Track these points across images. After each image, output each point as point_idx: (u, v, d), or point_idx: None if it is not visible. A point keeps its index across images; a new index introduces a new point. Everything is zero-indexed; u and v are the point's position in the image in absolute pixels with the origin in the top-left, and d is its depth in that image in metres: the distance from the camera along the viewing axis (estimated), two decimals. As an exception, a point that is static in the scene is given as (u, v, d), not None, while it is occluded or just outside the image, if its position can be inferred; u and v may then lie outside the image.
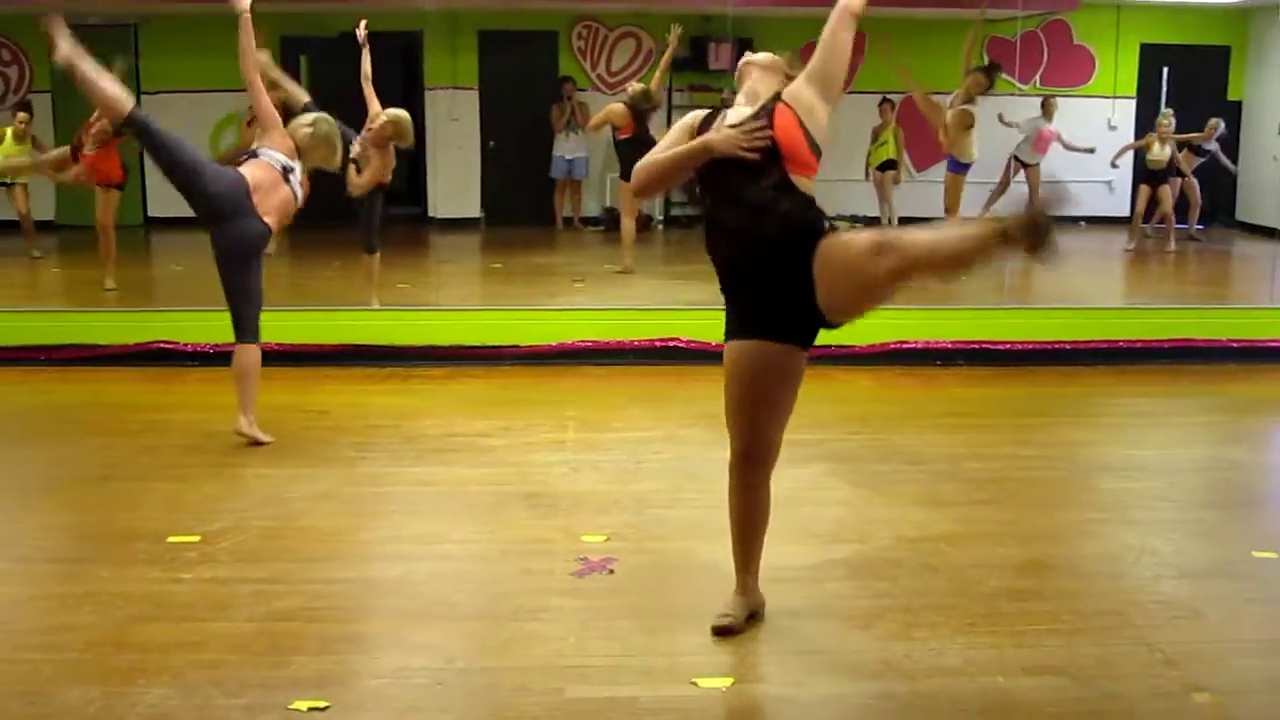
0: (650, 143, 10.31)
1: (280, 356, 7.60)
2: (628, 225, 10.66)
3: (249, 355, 5.92)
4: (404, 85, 15.87)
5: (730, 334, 3.77)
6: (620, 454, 5.71)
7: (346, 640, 3.78)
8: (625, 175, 10.59)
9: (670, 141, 3.88)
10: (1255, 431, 6.63)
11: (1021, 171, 13.50)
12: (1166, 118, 12.75)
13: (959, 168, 10.29)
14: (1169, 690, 3.51)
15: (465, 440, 6.01)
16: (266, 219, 5.74)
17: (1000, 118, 13.04)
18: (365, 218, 8.52)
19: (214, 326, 7.77)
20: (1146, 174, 12.97)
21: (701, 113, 3.96)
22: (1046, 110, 13.52)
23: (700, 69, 14.18)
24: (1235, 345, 7.97)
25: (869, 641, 3.77)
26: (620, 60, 14.53)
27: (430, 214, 14.33)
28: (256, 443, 5.84)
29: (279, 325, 7.82)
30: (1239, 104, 14.44)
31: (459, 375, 7.40)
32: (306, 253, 11.76)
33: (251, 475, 5.42)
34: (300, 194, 5.99)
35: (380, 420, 6.34)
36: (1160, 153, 12.67)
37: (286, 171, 5.87)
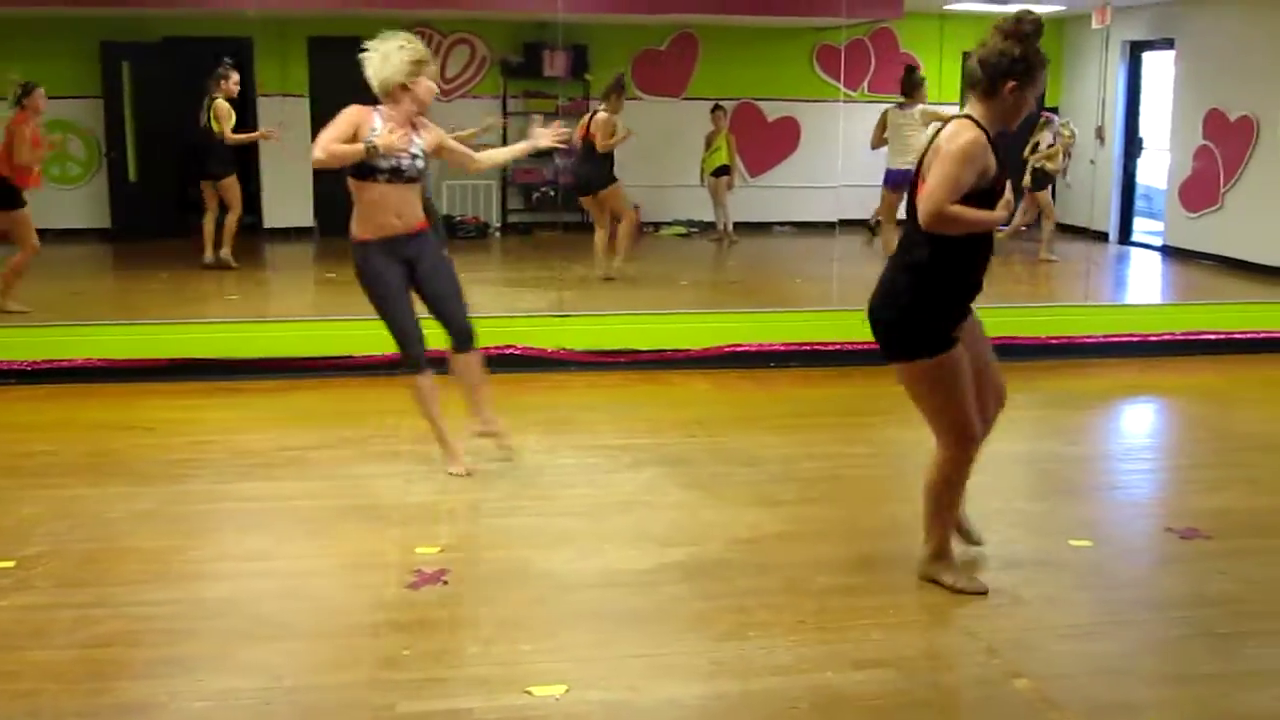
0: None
1: (105, 372, 7.38)
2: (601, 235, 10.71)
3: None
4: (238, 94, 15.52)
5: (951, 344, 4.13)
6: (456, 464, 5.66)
7: (171, 663, 3.67)
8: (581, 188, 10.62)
9: None
10: (1072, 425, 6.88)
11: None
12: (1068, 127, 12.77)
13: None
14: (990, 677, 3.62)
15: (296, 454, 5.89)
16: None
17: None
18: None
19: (32, 342, 7.52)
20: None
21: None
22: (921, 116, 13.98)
23: (534, 76, 14.17)
24: (1054, 342, 8.28)
25: (703, 643, 3.81)
26: (454, 67, 14.42)
27: (263, 224, 14.03)
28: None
29: (103, 340, 7.59)
30: (1055, 110, 14.99)
31: (291, 388, 7.26)
32: (134, 265, 11.41)
33: (71, 496, 5.22)
34: None
35: (208, 436, 6.18)
36: (1061, 164, 12.65)
37: None
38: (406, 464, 5.70)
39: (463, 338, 5.52)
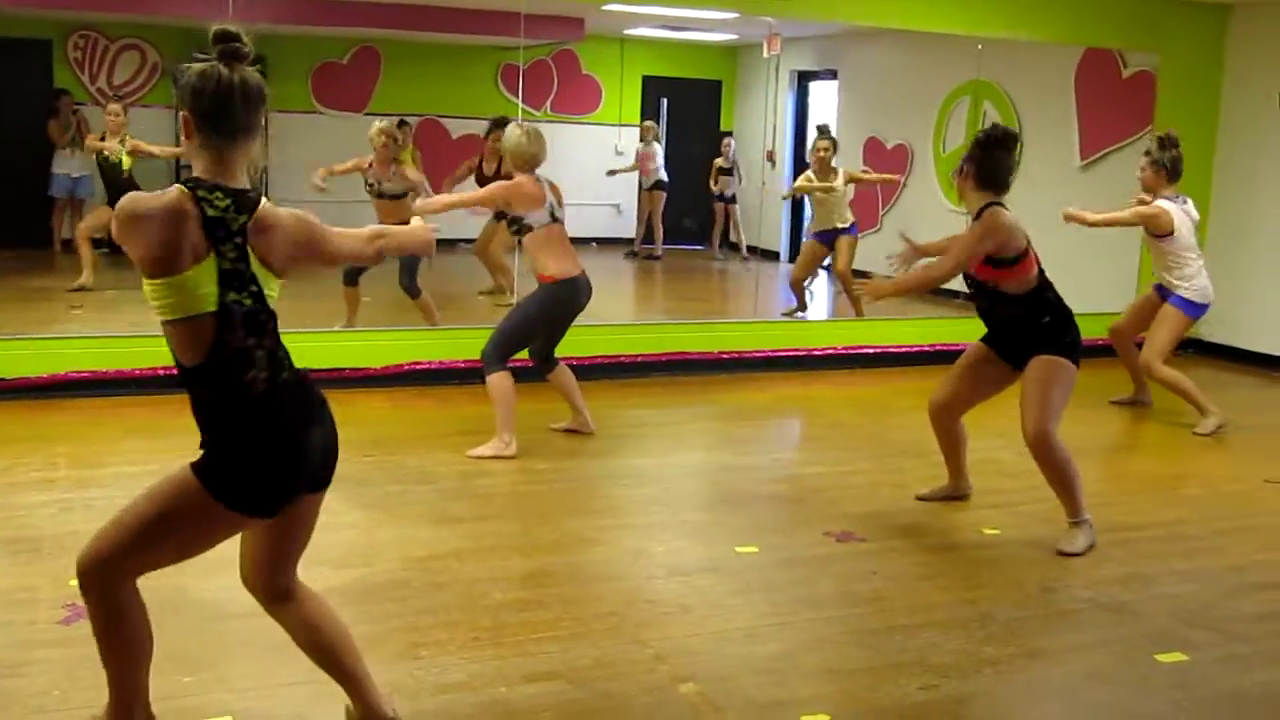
0: None
1: None
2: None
3: None
4: None
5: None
6: (116, 490, 5.37)
7: None
8: None
9: None
10: (741, 437, 7.16)
11: (649, 198, 14.34)
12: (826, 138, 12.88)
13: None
14: (658, 684, 3.73)
15: (-61, 484, 5.47)
16: None
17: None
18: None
19: None
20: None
21: None
22: (646, 134, 14.37)
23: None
24: (725, 357, 8.62)
25: (374, 665, 3.71)
26: (124, 73, 13.73)
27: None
28: None
29: None
30: (730, 134, 15.62)
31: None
32: None
33: None
34: None
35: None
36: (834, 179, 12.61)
37: None
38: (62, 491, 5.38)
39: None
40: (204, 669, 3.67)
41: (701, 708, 3.59)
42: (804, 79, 14.85)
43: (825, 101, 14.55)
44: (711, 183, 14.53)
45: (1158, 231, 7.37)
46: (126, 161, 10.45)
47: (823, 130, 11.03)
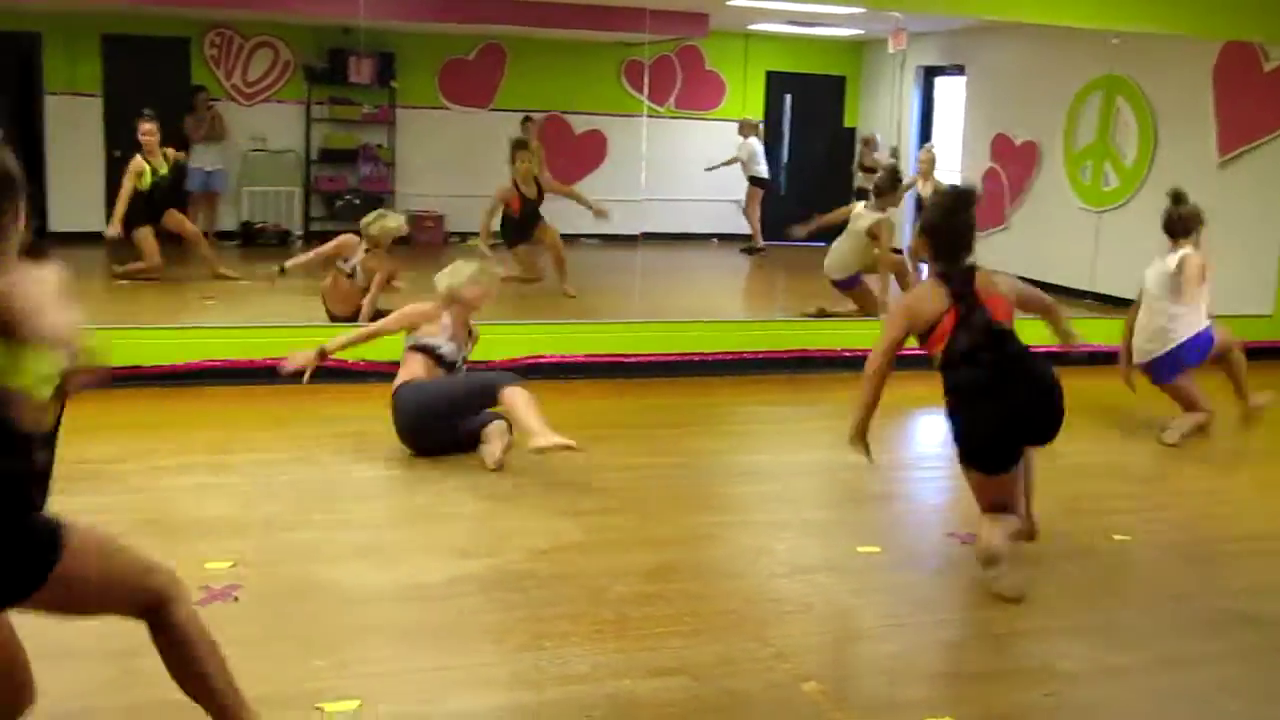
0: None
1: None
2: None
3: None
4: (20, 89, 14.85)
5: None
6: (249, 476, 5.54)
7: (-62, 687, 3.49)
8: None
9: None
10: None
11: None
12: (929, 152, 12.56)
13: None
14: (780, 681, 3.72)
15: (93, 468, 5.65)
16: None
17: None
18: None
19: None
20: None
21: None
22: (747, 130, 14.30)
23: (340, 82, 13.98)
24: (848, 355, 8.53)
25: (499, 654, 3.81)
26: (257, 70, 14.11)
27: (50, 227, 13.45)
28: None
29: None
30: (853, 130, 15.49)
31: (82, 399, 6.96)
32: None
33: None
34: None
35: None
36: (925, 189, 12.26)
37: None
38: (199, 476, 5.55)
39: None
40: (333, 653, 3.75)
41: (824, 706, 3.57)
42: (930, 74, 14.68)
43: (951, 97, 14.37)
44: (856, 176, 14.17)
45: None
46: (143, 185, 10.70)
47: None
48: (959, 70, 13.99)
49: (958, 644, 4.09)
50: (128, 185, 10.56)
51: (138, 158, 10.63)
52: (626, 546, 4.83)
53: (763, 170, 14.51)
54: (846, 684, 3.73)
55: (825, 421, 7.40)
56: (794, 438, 6.99)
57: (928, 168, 12.04)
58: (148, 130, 10.72)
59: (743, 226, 14.96)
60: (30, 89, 14.14)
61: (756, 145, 14.57)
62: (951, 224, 4.68)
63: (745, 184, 14.57)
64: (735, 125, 15.10)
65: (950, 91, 14.42)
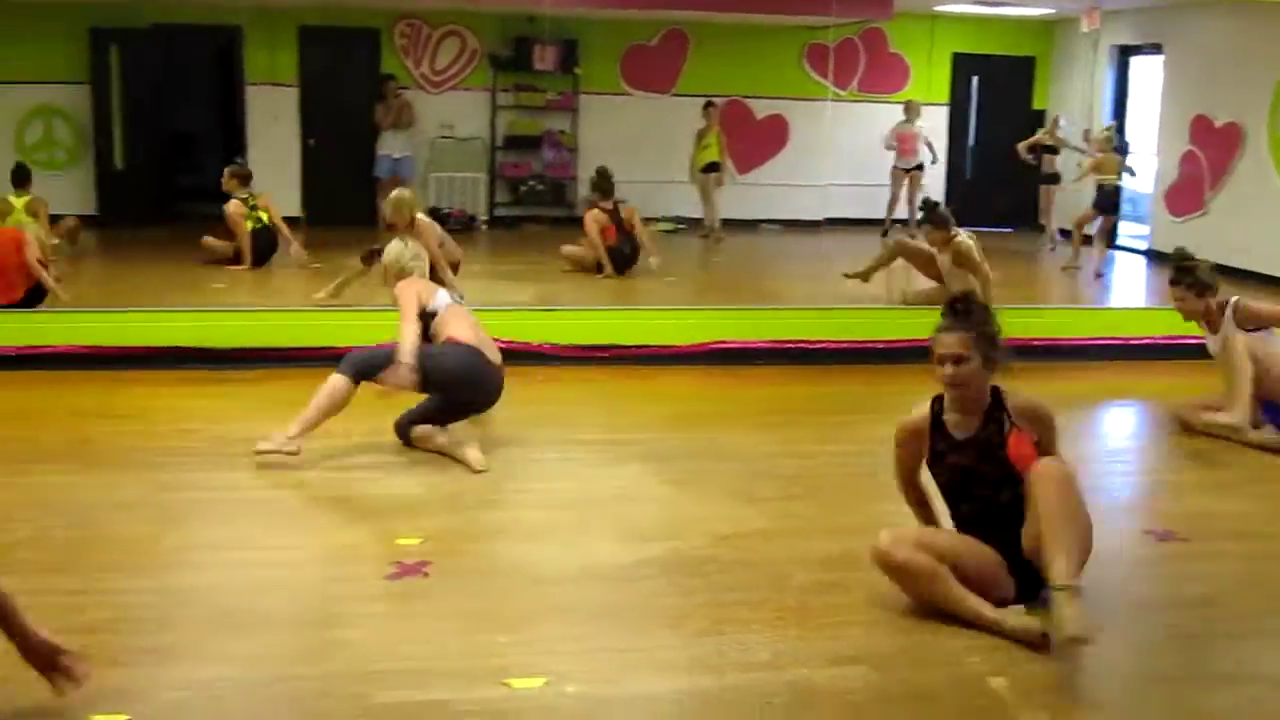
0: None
1: (87, 359, 7.37)
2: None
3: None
4: (223, 81, 15.49)
5: None
6: (435, 456, 5.66)
7: (149, 652, 3.67)
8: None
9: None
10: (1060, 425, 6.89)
11: (905, 179, 13.94)
12: (1110, 130, 12.34)
13: None
14: (967, 675, 3.64)
15: (279, 444, 5.89)
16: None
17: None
18: None
19: (12, 328, 7.50)
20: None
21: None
22: (910, 112, 14.00)
23: (525, 70, 14.19)
24: (1037, 344, 8.28)
25: (681, 638, 3.82)
26: (444, 59, 14.41)
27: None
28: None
29: (86, 327, 7.59)
30: (1043, 113, 15.05)
31: (274, 377, 7.23)
32: (120, 252, 11.38)
33: (53, 483, 5.22)
34: None
35: (190, 425, 6.17)
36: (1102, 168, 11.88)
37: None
38: (388, 455, 5.70)
39: None
40: (522, 631, 3.82)
41: (1012, 703, 3.49)
42: (1125, 54, 14.16)
43: (1147, 77, 13.85)
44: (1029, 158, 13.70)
45: None
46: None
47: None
48: (1156, 49, 13.46)
49: (1156, 645, 3.94)
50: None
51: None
52: (808, 533, 4.80)
53: (927, 156, 14.14)
54: (1037, 680, 3.62)
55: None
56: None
57: (1104, 146, 11.68)
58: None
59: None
60: (231, 80, 14.74)
61: (923, 129, 14.23)
62: None
63: (937, 168, 14.30)
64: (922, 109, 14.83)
65: (1146, 71, 13.89)
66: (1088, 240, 12.05)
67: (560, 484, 5.41)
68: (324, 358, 7.40)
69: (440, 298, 5.91)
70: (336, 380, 5.57)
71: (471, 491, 5.20)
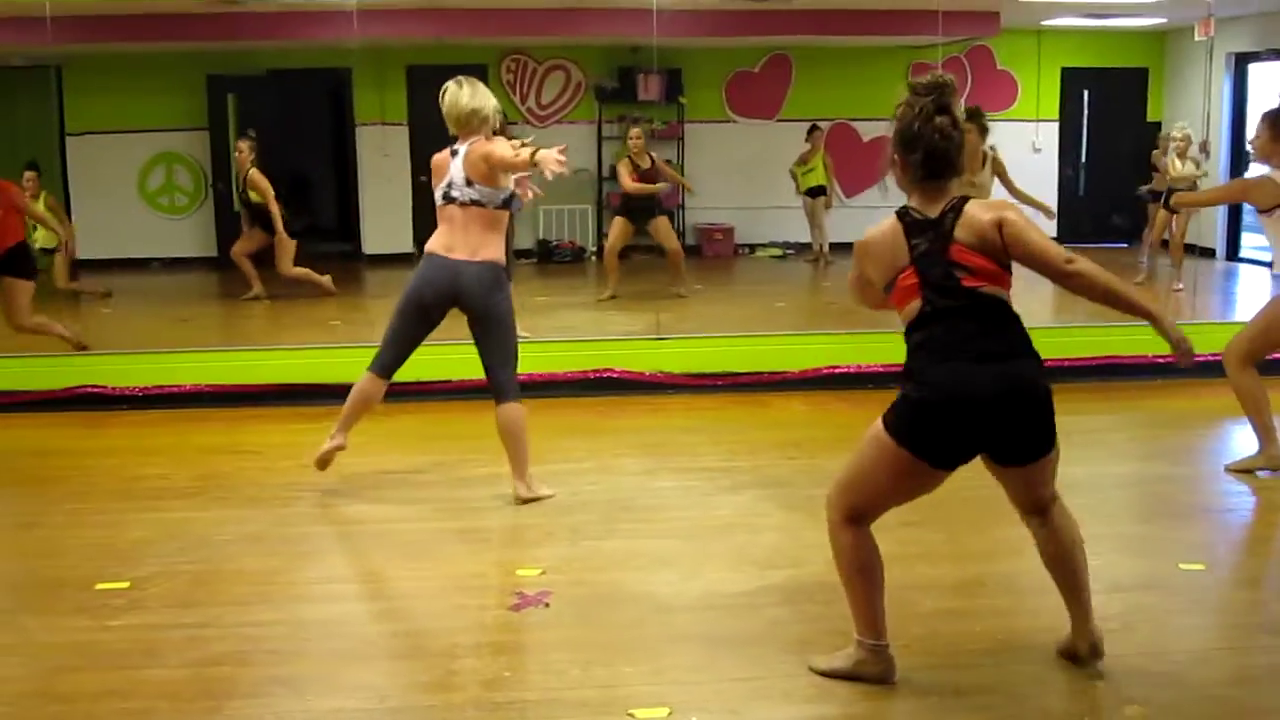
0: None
1: (212, 398, 7.56)
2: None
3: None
4: (334, 122, 15.84)
5: None
6: (555, 486, 5.68)
7: (279, 683, 3.73)
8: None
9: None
10: (1179, 446, 6.73)
11: None
12: (1182, 130, 11.75)
13: None
14: (1099, 704, 3.55)
15: (399, 477, 5.98)
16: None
17: None
18: None
19: (142, 369, 7.72)
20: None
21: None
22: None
23: (629, 100, 14.27)
24: (1161, 361, 8.08)
25: (804, 666, 3.77)
26: (550, 93, 14.57)
27: (362, 250, 14.27)
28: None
29: (210, 366, 7.78)
30: (1158, 124, 14.72)
31: (393, 411, 7.32)
32: (238, 293, 11.66)
33: (181, 519, 5.34)
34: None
35: (313, 459, 6.27)
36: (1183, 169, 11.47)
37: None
38: (507, 486, 5.73)
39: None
40: (645, 661, 3.81)
41: (1149, 733, 3.39)
42: (1242, 61, 13.81)
43: (1267, 84, 13.47)
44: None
45: (1261, 206, 6.07)
46: (253, 195, 11.12)
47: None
48: (1276, 55, 13.10)
49: (1296, 673, 3.80)
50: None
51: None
52: (932, 560, 4.72)
53: None
54: (1173, 710, 3.51)
55: (1136, 431, 7.08)
56: (1102, 449, 6.67)
57: (1184, 147, 11.30)
58: (238, 148, 11.37)
59: (1042, 229, 14.40)
60: (342, 121, 15.05)
61: None
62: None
63: (1049, 184, 14.02)
64: (1031, 125, 14.62)
65: (1266, 78, 13.52)
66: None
67: (678, 513, 5.39)
68: (445, 391, 7.54)
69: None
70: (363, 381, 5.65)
71: (588, 522, 5.21)
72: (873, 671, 3.64)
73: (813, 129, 13.71)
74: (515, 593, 4.37)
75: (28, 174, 10.75)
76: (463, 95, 5.48)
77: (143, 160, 13.82)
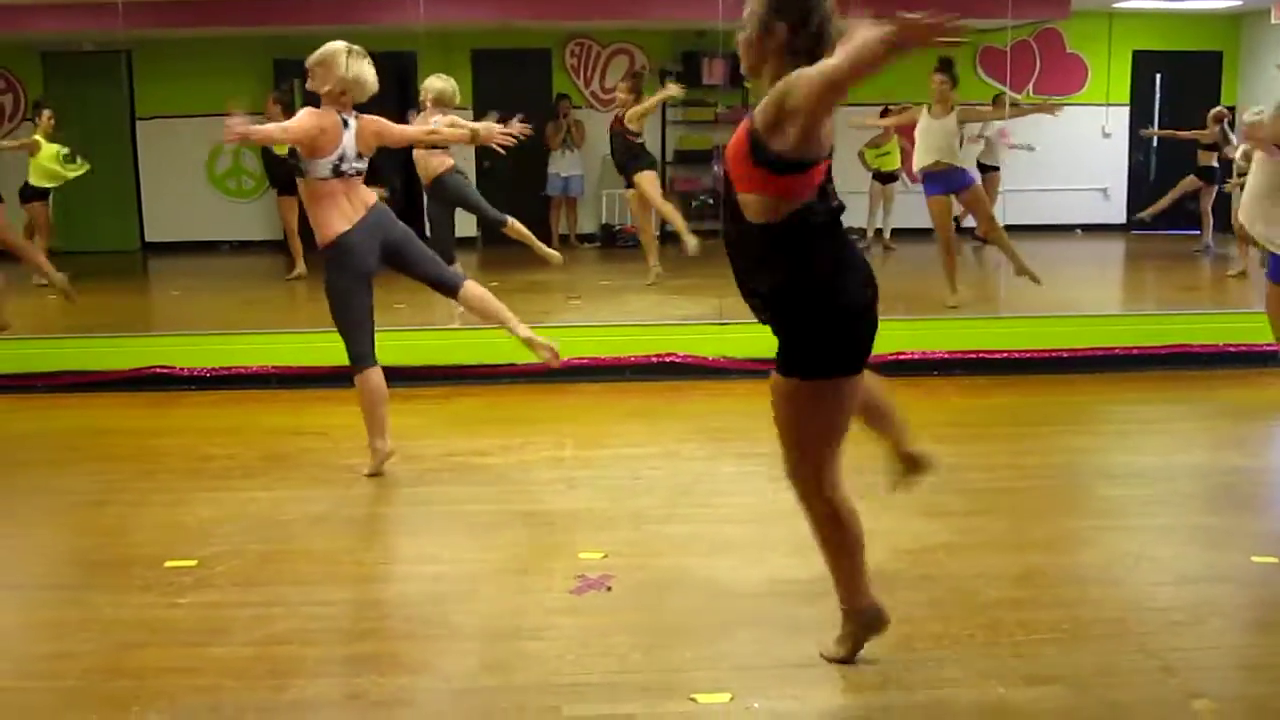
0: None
1: (278, 379, 7.65)
2: (648, 233, 10.98)
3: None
4: (399, 106, 15.90)
5: None
6: (617, 470, 5.70)
7: (344, 662, 3.77)
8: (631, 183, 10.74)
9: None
10: (1251, 436, 6.62)
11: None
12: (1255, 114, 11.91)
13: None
14: (1167, 697, 3.50)
15: (462, 460, 6.01)
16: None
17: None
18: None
19: (210, 350, 7.81)
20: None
21: None
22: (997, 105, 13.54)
23: (693, 84, 14.20)
24: (1231, 350, 7.96)
25: (868, 654, 3.75)
26: (614, 77, 14.51)
27: (426, 234, 14.33)
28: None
29: (276, 348, 7.86)
30: (1232, 108, 14.45)
31: (456, 395, 7.40)
32: (305, 276, 11.76)
33: (248, 498, 5.41)
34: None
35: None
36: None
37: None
38: (569, 470, 5.76)
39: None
40: (707, 645, 3.81)
41: (1216, 727, 3.34)
42: (1320, 44, 13.53)
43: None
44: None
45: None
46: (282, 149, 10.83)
47: None
48: (1355, 39, 12.83)
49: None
50: None
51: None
52: (996, 549, 4.67)
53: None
54: (1244, 705, 3.46)
55: (1205, 422, 6.96)
56: (1171, 438, 6.57)
57: (1254, 131, 10.95)
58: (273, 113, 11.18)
59: (1110, 215, 14.25)
60: (407, 105, 15.12)
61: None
62: None
63: (1119, 172, 13.80)
64: (1101, 110, 14.41)
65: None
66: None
67: (739, 498, 5.38)
68: (507, 374, 7.58)
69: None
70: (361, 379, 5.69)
71: (650, 506, 5.21)
72: (871, 633, 3.68)
73: (883, 112, 13.56)
74: (577, 576, 4.38)
75: (46, 112, 11.13)
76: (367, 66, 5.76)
77: (211, 145, 13.97)
